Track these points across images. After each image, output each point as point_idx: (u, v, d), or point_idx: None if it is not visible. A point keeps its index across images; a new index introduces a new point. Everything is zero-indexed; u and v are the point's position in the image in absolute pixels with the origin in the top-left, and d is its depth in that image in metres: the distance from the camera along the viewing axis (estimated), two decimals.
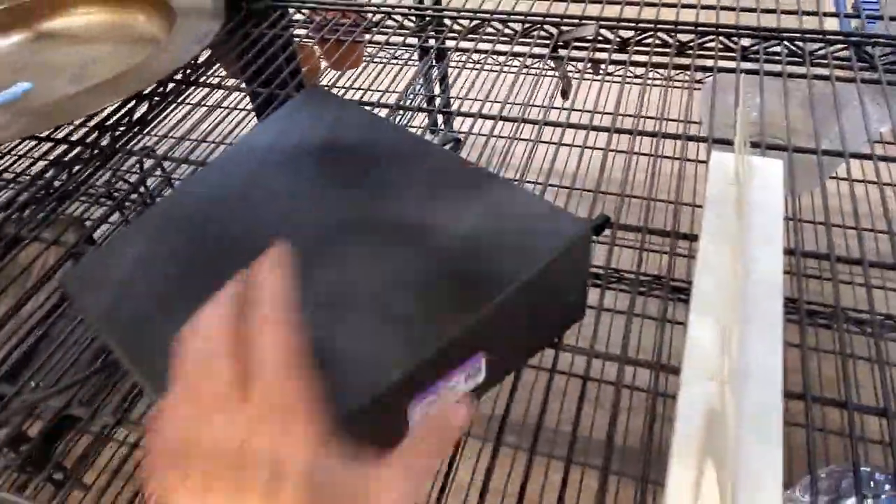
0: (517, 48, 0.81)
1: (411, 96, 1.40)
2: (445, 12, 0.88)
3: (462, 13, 0.85)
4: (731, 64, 0.73)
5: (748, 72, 0.71)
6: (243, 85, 0.83)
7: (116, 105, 0.74)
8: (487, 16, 0.83)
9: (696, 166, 1.19)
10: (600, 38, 0.78)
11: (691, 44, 0.75)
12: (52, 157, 0.70)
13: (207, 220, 0.47)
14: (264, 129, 0.53)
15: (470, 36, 0.83)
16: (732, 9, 0.80)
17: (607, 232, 0.56)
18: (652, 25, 0.77)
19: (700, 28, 0.76)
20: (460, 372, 0.41)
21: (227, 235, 0.45)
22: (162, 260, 0.45)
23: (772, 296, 0.43)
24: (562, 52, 0.78)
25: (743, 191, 0.51)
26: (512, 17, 0.82)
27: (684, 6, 0.84)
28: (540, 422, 0.47)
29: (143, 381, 0.38)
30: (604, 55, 0.76)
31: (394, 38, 0.87)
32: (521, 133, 0.70)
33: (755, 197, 0.51)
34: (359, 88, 0.92)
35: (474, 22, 0.84)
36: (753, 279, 0.44)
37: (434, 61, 1.26)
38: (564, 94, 0.81)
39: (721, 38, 0.75)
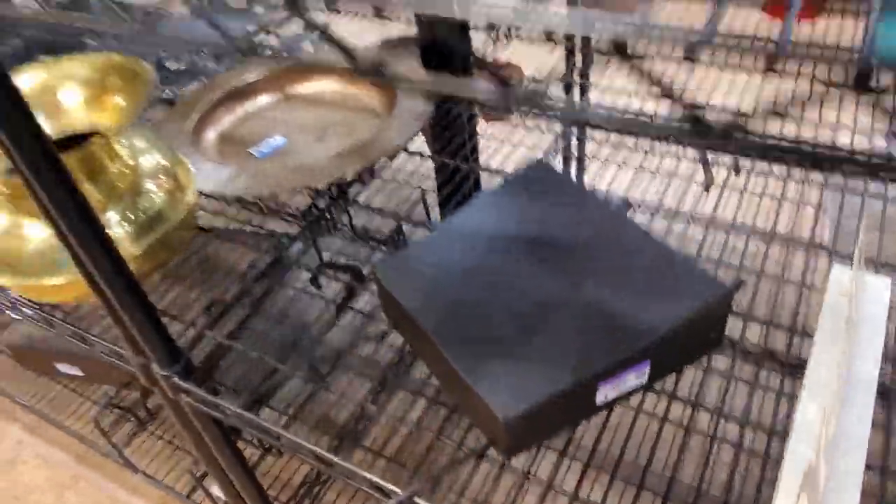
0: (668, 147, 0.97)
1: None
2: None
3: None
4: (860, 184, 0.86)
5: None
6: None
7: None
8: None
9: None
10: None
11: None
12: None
13: (463, 257, 0.69)
14: (493, 196, 0.75)
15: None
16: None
17: (744, 303, 0.72)
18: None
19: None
20: (632, 371, 0.60)
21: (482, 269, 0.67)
22: (445, 273, 0.67)
23: (867, 390, 0.58)
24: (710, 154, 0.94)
25: (854, 302, 0.65)
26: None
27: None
28: (648, 465, 0.63)
29: (454, 362, 0.59)
30: (747, 162, 0.91)
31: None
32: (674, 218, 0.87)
33: (864, 309, 0.65)
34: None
35: None
36: (854, 374, 0.59)
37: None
38: (707, 189, 0.97)
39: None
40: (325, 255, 0.97)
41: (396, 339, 0.76)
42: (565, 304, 0.63)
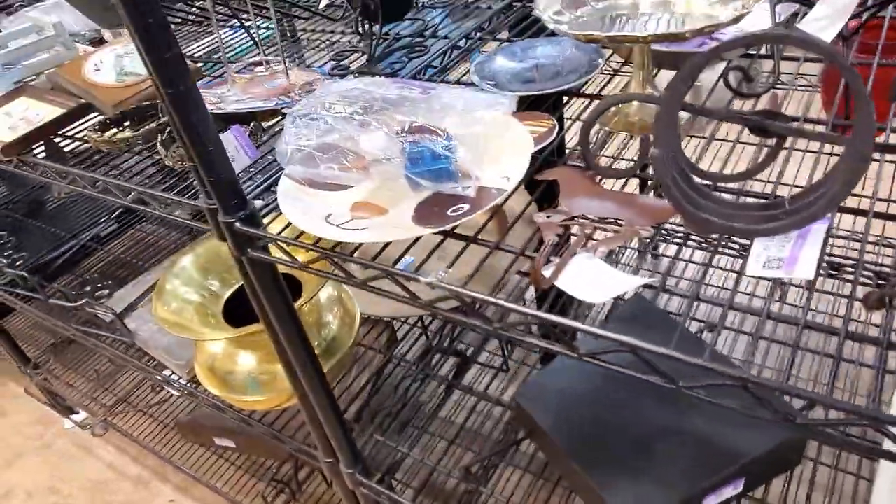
0: None
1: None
2: None
3: None
4: None
5: None
6: None
7: None
8: None
9: None
10: None
11: None
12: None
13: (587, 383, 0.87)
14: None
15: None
16: None
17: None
18: None
19: None
20: (730, 484, 0.77)
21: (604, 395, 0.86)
22: (574, 398, 0.85)
23: None
24: None
25: None
26: None
27: None
28: None
29: (589, 476, 0.77)
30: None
31: None
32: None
33: None
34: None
35: None
36: None
37: None
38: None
39: None
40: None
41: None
42: (674, 431, 0.81)
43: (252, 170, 0.77)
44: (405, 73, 0.90)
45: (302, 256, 0.65)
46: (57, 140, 0.94)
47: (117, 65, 0.97)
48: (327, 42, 1.16)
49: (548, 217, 0.56)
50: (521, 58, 0.82)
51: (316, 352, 0.97)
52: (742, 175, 0.56)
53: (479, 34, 0.98)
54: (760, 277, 0.49)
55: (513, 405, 0.90)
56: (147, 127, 0.84)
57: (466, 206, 0.58)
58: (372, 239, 0.56)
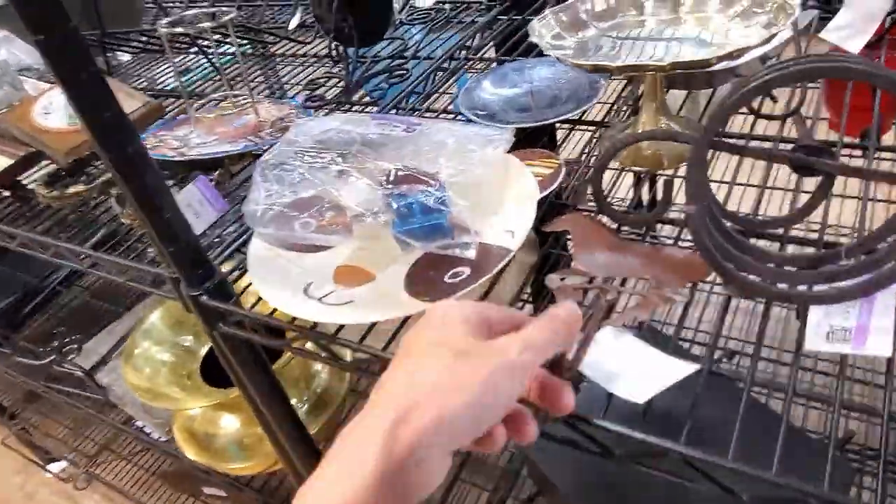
0: None
1: None
2: None
3: None
4: None
5: None
6: None
7: None
8: None
9: None
10: None
11: None
12: None
13: None
14: None
15: None
16: None
17: None
18: None
19: None
20: None
21: None
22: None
23: None
24: None
25: None
26: None
27: None
28: None
29: None
30: None
31: None
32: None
33: None
34: None
35: None
36: None
37: None
38: None
39: None
40: None
41: None
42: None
43: (219, 225, 0.68)
44: (386, 100, 0.82)
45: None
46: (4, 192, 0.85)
47: (68, 106, 0.88)
48: (300, 64, 1.08)
49: (562, 280, 0.48)
50: (512, 82, 0.74)
51: (303, 408, 0.89)
52: (786, 220, 0.48)
53: (463, 53, 0.90)
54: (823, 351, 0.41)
55: (523, 457, 0.82)
56: (101, 179, 0.75)
57: (467, 271, 0.50)
58: (358, 319, 0.48)
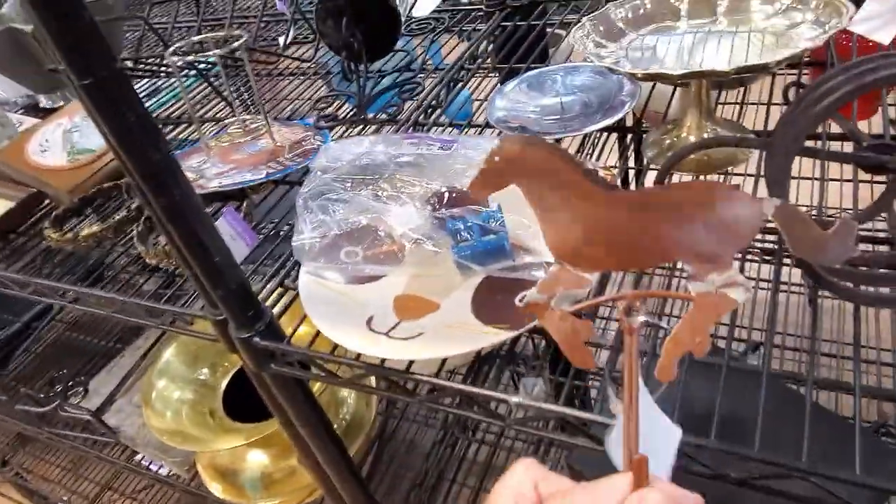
0: None
1: None
2: None
3: None
4: None
5: None
6: None
7: None
8: None
9: None
10: None
11: None
12: None
13: None
14: None
15: None
16: None
17: None
18: None
19: None
20: None
21: None
22: None
23: None
24: None
25: None
26: None
27: None
28: None
29: None
30: None
31: None
32: None
33: None
34: None
35: None
36: None
37: None
38: None
39: None
40: None
41: None
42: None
43: (252, 259, 0.66)
44: (403, 117, 0.80)
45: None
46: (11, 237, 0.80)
47: (67, 142, 0.84)
48: (301, 83, 1.05)
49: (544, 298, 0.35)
50: (539, 90, 0.72)
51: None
52: (862, 215, 0.47)
53: (476, 62, 0.88)
54: None
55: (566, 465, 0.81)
56: (117, 217, 0.72)
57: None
58: (436, 354, 0.46)
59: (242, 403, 0.87)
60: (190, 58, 0.70)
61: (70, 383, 1.06)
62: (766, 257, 0.80)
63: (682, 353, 0.33)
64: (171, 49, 0.69)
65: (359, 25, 0.82)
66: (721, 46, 0.54)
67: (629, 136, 0.88)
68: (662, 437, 0.33)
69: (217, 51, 0.70)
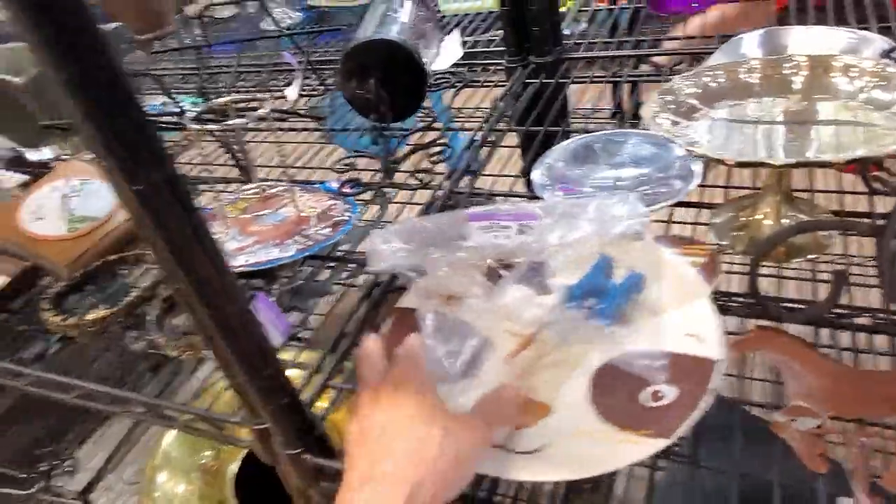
0: None
1: None
2: None
3: None
4: None
5: None
6: None
7: None
8: None
9: None
10: None
11: None
12: None
13: None
14: None
15: None
16: None
17: None
18: None
19: None
20: None
21: None
22: None
23: None
24: None
25: None
26: None
27: None
28: None
29: None
30: None
31: None
32: None
33: None
34: None
35: None
36: None
37: None
38: None
39: None
40: None
41: None
42: None
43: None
44: (435, 183, 0.75)
45: None
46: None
47: (64, 208, 0.77)
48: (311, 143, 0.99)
49: (792, 421, 0.41)
50: (591, 161, 0.68)
51: None
52: None
53: (500, 123, 0.83)
54: None
55: None
56: (127, 299, 0.64)
57: (666, 389, 0.42)
58: (571, 475, 0.40)
59: (257, 488, 0.80)
60: (212, 126, 0.64)
61: (55, 462, 0.97)
62: None
63: None
64: (194, 115, 0.63)
65: (385, 85, 0.77)
66: (816, 131, 0.50)
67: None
68: None
69: (240, 121, 0.64)
